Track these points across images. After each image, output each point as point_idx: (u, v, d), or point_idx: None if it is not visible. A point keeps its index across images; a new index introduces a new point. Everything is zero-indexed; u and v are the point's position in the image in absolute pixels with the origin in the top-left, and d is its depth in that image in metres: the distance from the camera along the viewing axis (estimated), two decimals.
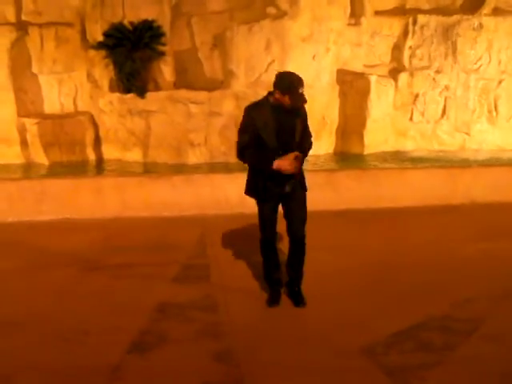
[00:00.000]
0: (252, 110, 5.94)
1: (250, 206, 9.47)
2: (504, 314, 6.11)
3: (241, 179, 10.01)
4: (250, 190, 6.30)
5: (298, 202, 6.22)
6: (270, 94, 5.92)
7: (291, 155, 5.84)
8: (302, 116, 6.03)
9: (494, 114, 14.61)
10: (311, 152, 12.88)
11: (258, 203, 6.27)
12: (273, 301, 6.22)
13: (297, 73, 11.54)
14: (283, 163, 5.81)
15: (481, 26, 14.52)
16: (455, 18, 14.42)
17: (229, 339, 5.48)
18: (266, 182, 6.02)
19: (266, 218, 6.27)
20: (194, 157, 12.40)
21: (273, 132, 5.83)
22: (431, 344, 5.49)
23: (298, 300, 6.23)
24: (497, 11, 14.78)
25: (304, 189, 6.26)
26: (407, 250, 7.99)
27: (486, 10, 14.70)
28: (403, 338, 5.56)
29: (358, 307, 6.22)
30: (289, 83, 5.78)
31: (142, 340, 5.45)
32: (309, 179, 9.94)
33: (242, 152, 6.04)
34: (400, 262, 7.58)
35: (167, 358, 5.13)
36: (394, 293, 6.61)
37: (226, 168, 11.53)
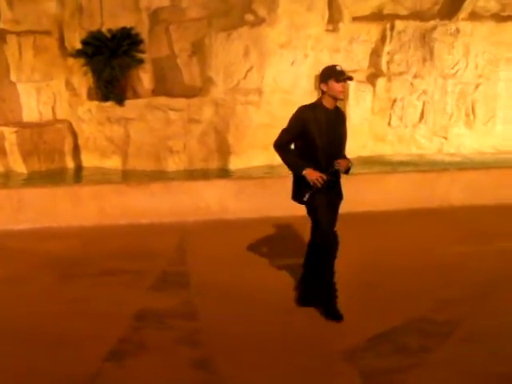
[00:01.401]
0: (304, 112, 5.98)
1: (230, 212, 9.63)
2: (481, 316, 6.15)
3: (220, 185, 10.17)
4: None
5: (337, 209, 6.23)
6: (320, 99, 6.03)
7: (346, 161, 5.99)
8: (345, 121, 6.16)
9: (472, 117, 14.72)
10: None
11: (313, 206, 6.13)
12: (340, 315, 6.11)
13: (275, 79, 11.67)
14: (314, 174, 5.83)
15: (458, 30, 14.62)
16: (432, 23, 14.51)
17: (208, 346, 5.48)
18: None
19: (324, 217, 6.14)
20: (173, 164, 12.39)
21: (325, 134, 5.86)
22: (408, 347, 5.53)
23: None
24: (473, 16, 14.88)
25: (341, 196, 6.27)
26: (386, 253, 8.03)
27: (463, 15, 14.78)
28: (381, 341, 5.61)
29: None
30: (326, 69, 5.97)
31: (121, 348, 5.44)
32: (287, 186, 10.05)
33: (280, 149, 6.07)
34: (379, 265, 7.62)
35: (145, 366, 5.12)
36: (373, 296, 6.66)
37: (205, 175, 11.55)
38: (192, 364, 5.12)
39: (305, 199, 5.99)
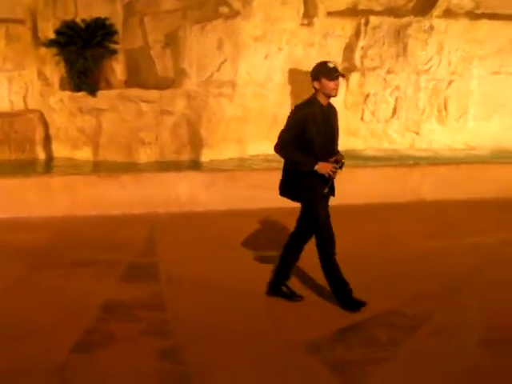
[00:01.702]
0: (302, 109, 5.94)
1: (201, 204, 9.62)
2: (450, 310, 6.21)
3: (191, 177, 10.14)
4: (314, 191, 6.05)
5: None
6: (314, 94, 5.97)
7: (332, 159, 5.90)
8: (337, 116, 6.14)
9: (444, 113, 14.78)
10: (262, 151, 13.08)
11: (315, 205, 6.08)
12: (360, 303, 6.14)
13: (249, 72, 11.63)
14: (328, 166, 5.83)
15: (432, 27, 14.67)
16: (407, 19, 14.53)
17: (175, 337, 5.48)
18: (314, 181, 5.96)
19: (328, 218, 6.15)
20: (144, 155, 12.32)
21: (322, 130, 5.87)
22: (377, 340, 5.57)
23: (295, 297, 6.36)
24: (447, 13, 14.94)
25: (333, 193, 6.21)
26: (357, 247, 8.05)
27: (437, 12, 14.85)
28: (349, 333, 5.64)
29: (306, 303, 6.29)
30: (318, 66, 5.93)
31: (88, 339, 5.41)
32: (261, 179, 10.10)
33: (285, 150, 5.97)
34: (349, 259, 7.59)
35: (112, 357, 5.11)
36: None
37: (176, 167, 11.50)
38: (159, 355, 5.11)
39: (325, 191, 5.92)
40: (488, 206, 10.32)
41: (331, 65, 5.89)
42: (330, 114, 6.02)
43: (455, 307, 6.28)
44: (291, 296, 6.33)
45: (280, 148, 5.97)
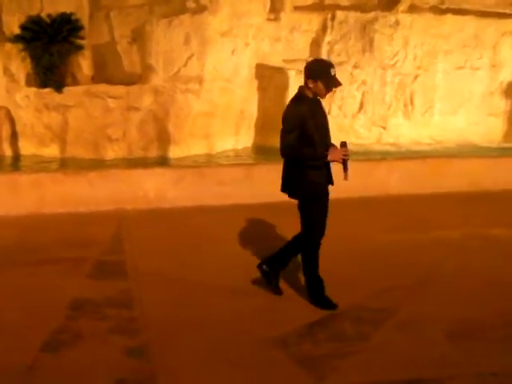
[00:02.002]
0: (297, 107, 5.80)
1: (168, 200, 9.62)
2: (416, 302, 6.30)
3: (158, 174, 10.13)
4: (310, 188, 6.01)
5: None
6: (301, 88, 5.89)
7: (337, 145, 5.90)
8: (322, 106, 6.06)
9: (410, 108, 14.93)
10: (230, 146, 13.10)
11: (310, 204, 6.05)
12: (332, 304, 6.15)
13: (216, 67, 11.59)
14: (338, 152, 5.83)
15: (397, 22, 14.79)
16: (373, 14, 14.63)
17: (143, 335, 5.49)
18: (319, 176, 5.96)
19: (325, 218, 6.14)
20: (112, 152, 12.25)
21: (319, 124, 5.83)
22: (344, 334, 5.63)
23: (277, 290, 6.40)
24: (413, 8, 15.07)
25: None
26: (324, 241, 8.12)
27: (403, 7, 14.97)
28: (316, 328, 5.69)
29: (273, 299, 6.32)
30: (320, 67, 5.79)
31: (56, 338, 5.40)
32: (226, 174, 10.13)
33: (293, 150, 5.79)
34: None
35: (81, 356, 5.10)
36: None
37: (144, 163, 11.47)
38: (127, 352, 5.13)
39: (348, 178, 5.94)
40: (454, 199, 10.48)
41: (333, 72, 5.74)
42: (318, 106, 5.94)
43: (421, 300, 6.36)
44: (272, 284, 6.37)
45: (288, 151, 5.82)
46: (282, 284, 6.54)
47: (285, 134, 5.81)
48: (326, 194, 6.05)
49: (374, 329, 5.73)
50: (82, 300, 6.20)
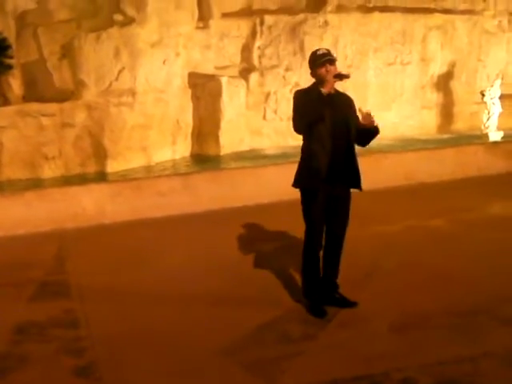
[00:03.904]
0: (298, 95, 5.92)
1: (108, 216, 9.54)
2: (359, 298, 6.28)
3: (96, 190, 10.04)
4: (304, 179, 6.03)
5: (345, 200, 6.12)
6: (315, 84, 5.89)
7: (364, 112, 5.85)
8: (349, 101, 6.06)
9: None
10: (168, 157, 13.08)
11: (307, 203, 6.06)
12: (323, 312, 6.06)
13: (148, 79, 11.50)
14: (330, 72, 5.75)
15: (326, 23, 15.00)
16: (301, 16, 14.82)
17: (91, 353, 5.43)
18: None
19: (316, 219, 6.05)
20: (49, 170, 12.09)
21: (327, 119, 5.73)
22: (291, 335, 5.67)
23: (350, 303, 6.22)
24: (340, 8, 15.33)
25: (350, 190, 6.12)
26: (262, 246, 8.20)
27: (330, 7, 15.20)
28: (262, 331, 5.72)
29: (217, 305, 6.34)
30: (310, 56, 5.95)
31: (2, 364, 5.28)
32: (164, 185, 10.10)
33: (298, 124, 5.88)
34: (256, 258, 7.76)
35: (28, 379, 5.04)
36: (250, 286, 6.79)
37: (82, 179, 11.38)
38: (75, 373, 5.06)
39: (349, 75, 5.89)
40: (391, 194, 10.62)
41: (320, 52, 5.86)
42: (337, 101, 5.88)
43: (364, 296, 6.40)
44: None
45: (296, 128, 5.92)
46: (225, 291, 6.58)
47: (293, 117, 5.94)
48: (328, 192, 5.97)
49: (320, 328, 5.79)
50: (26, 323, 6.08)
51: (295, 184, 6.13)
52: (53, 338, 5.75)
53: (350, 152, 5.97)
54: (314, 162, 5.89)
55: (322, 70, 5.78)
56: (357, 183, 6.06)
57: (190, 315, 6.14)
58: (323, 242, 6.18)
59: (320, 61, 5.79)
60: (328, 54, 5.87)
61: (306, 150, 6.02)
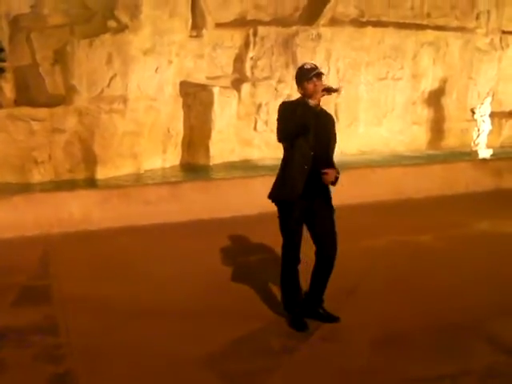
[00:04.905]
0: (285, 105, 5.96)
1: (95, 222, 9.52)
2: (341, 312, 6.27)
3: (84, 196, 10.04)
4: (280, 191, 6.03)
5: (329, 221, 6.07)
6: (303, 97, 5.89)
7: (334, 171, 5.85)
8: (332, 121, 6.11)
9: (336, 120, 15.12)
10: (158, 165, 13.08)
11: (282, 216, 6.05)
12: (304, 325, 6.03)
13: (140, 86, 11.48)
14: (318, 87, 5.76)
15: (319, 36, 15.05)
16: (294, 29, 14.86)
17: (68, 361, 5.40)
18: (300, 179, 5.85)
19: (292, 231, 6.04)
20: (38, 175, 12.06)
21: (311, 131, 5.72)
22: (271, 348, 5.65)
23: (333, 318, 6.20)
24: (333, 22, 15.38)
25: (331, 207, 6.09)
26: (247, 257, 8.20)
27: (323, 21, 15.24)
28: (242, 344, 5.71)
29: (197, 317, 6.32)
30: (297, 72, 5.96)
31: None
32: (152, 193, 10.10)
33: (283, 134, 5.86)
34: (239, 270, 7.76)
35: None
36: (234, 299, 6.78)
37: (71, 185, 11.37)
38: (52, 380, 5.05)
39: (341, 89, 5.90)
40: (378, 208, 10.67)
41: (307, 66, 5.87)
42: (322, 118, 5.93)
43: (347, 310, 6.41)
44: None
45: (280, 136, 5.91)
46: (207, 302, 6.59)
47: (277, 127, 5.93)
48: (304, 207, 5.96)
49: (300, 342, 5.78)
50: (6, 328, 6.05)
51: (270, 196, 6.13)
52: (31, 343, 5.72)
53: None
54: (291, 174, 5.90)
55: (310, 85, 5.79)
56: (329, 201, 6.09)
57: (170, 326, 6.10)
58: (313, 259, 6.21)
59: (308, 76, 5.81)
60: (315, 68, 5.88)
61: (284, 161, 6.03)
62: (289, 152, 5.95)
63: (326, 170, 5.79)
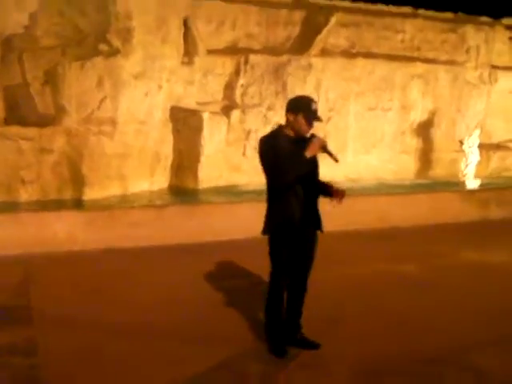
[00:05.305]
0: (267, 142, 5.76)
1: (79, 243, 9.50)
2: (322, 341, 6.23)
3: (69, 217, 10.02)
4: (277, 223, 5.93)
5: (312, 244, 6.06)
6: (279, 126, 5.85)
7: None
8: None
9: None
10: (146, 188, 13.06)
11: (278, 247, 5.95)
12: (284, 352, 5.97)
13: (129, 109, 11.53)
14: (316, 143, 5.67)
15: (310, 65, 15.17)
16: (285, 57, 14.97)
17: (44, 382, 5.37)
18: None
19: (286, 262, 5.96)
20: (25, 194, 12.04)
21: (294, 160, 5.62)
22: (249, 374, 5.64)
23: (313, 345, 6.16)
24: (324, 52, 15.52)
25: (321, 229, 6.06)
26: (230, 282, 8.20)
27: (315, 51, 15.38)
28: (220, 369, 5.69)
29: (177, 340, 6.33)
30: (300, 101, 5.79)
31: None
32: (138, 216, 10.08)
33: (285, 176, 5.67)
34: (222, 295, 7.75)
35: None
36: (214, 324, 6.74)
37: (58, 205, 11.36)
38: None
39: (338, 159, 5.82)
40: (363, 236, 10.69)
41: (314, 106, 5.73)
42: (301, 144, 5.70)
43: (327, 338, 6.37)
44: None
45: (285, 181, 5.71)
46: (189, 326, 6.58)
47: (271, 168, 5.73)
48: (297, 236, 5.90)
49: (279, 368, 5.78)
50: None
51: (268, 231, 6.00)
52: (8, 365, 5.67)
53: (316, 196, 6.03)
54: (288, 208, 5.83)
55: (307, 127, 5.75)
56: (319, 225, 6.08)
57: (149, 349, 6.07)
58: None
59: (312, 118, 5.73)
60: (317, 112, 5.81)
61: (277, 196, 5.88)
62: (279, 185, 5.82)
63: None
